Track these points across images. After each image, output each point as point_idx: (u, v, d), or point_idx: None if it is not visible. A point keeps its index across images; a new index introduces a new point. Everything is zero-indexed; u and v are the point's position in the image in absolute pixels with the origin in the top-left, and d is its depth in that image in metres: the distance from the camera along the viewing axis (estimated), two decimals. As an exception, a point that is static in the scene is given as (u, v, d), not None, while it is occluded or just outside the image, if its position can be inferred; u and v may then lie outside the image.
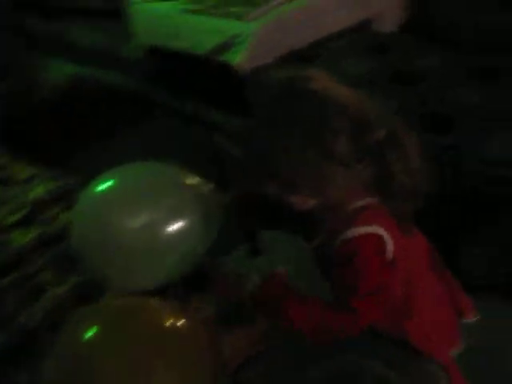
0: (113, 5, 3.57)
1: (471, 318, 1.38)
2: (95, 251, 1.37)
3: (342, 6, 2.94)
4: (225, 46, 2.67)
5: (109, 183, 1.43)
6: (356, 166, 1.12)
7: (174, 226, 1.34)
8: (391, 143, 1.13)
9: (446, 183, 1.97)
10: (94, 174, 1.73)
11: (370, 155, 1.12)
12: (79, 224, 1.41)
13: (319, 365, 1.11)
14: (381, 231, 1.15)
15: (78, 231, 1.40)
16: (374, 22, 3.17)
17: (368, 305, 1.15)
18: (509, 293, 1.98)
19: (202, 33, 2.74)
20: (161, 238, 1.34)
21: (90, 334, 1.14)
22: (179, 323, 1.22)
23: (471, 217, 2.10)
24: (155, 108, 3.25)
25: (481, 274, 2.15)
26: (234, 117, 2.80)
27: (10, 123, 3.02)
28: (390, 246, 1.16)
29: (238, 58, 2.59)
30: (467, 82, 2.37)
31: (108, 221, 1.34)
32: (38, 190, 1.96)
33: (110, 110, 3.34)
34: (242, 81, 2.65)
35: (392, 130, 1.13)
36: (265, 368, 1.34)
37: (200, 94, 2.98)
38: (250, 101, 2.62)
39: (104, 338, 1.15)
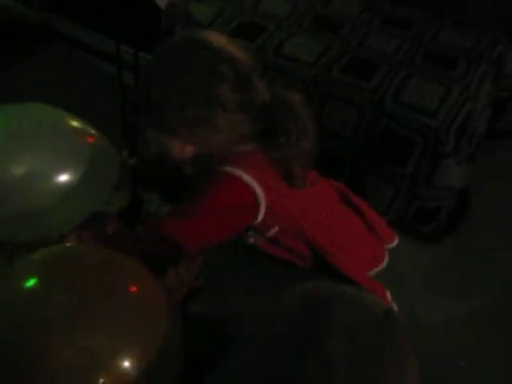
0: None
1: (392, 243, 1.59)
2: None
3: None
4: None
5: None
6: (238, 113, 1.20)
7: (58, 176, 1.32)
8: (278, 106, 1.24)
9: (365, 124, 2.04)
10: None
11: (256, 111, 1.23)
12: None
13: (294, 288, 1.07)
14: (246, 177, 1.21)
15: None
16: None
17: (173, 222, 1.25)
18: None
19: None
20: (43, 189, 1.31)
21: (31, 280, 1.06)
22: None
23: (382, 156, 2.19)
24: (55, 37, 3.09)
25: (383, 209, 2.25)
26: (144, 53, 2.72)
27: None
28: (260, 192, 1.22)
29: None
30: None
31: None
32: None
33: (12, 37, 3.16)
34: (157, 14, 2.53)
35: (278, 95, 1.26)
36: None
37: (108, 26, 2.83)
38: (164, 34, 2.54)
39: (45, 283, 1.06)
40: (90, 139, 1.42)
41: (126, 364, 0.97)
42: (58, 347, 0.94)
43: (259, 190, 1.21)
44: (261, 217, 1.25)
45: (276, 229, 1.31)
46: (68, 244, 1.29)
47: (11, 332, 0.98)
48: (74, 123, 1.43)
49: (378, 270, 1.52)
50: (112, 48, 2.89)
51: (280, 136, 1.23)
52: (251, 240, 1.35)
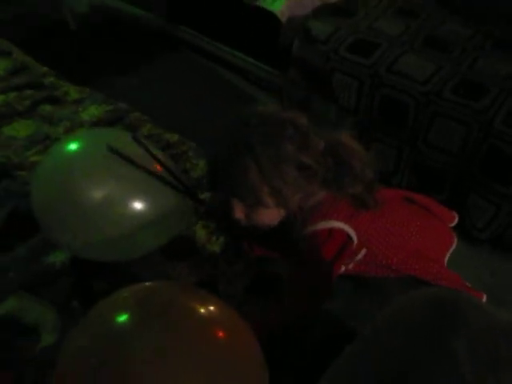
0: None
1: (454, 221, 1.58)
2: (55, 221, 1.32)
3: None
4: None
5: (75, 148, 1.36)
6: (308, 168, 1.23)
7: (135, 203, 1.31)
8: (334, 150, 1.27)
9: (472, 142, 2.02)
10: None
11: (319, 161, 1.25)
12: (40, 189, 1.35)
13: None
14: (338, 224, 1.27)
15: (38, 198, 1.34)
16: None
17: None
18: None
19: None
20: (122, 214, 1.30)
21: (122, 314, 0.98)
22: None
23: (486, 174, 2.17)
24: (182, 47, 3.17)
25: (481, 226, 2.24)
26: (266, 64, 2.77)
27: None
28: (352, 232, 1.28)
29: (279, 6, 2.50)
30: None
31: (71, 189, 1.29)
32: (92, 111, 1.88)
33: (135, 43, 3.28)
34: (277, 28, 2.58)
35: (330, 141, 1.28)
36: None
37: (232, 39, 2.91)
38: (282, 47, 2.57)
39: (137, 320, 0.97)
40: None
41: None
42: None
43: (351, 231, 1.27)
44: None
45: (364, 251, 1.34)
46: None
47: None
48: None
49: (451, 250, 1.52)
50: (231, 57, 2.99)
51: (345, 175, 1.27)
52: (342, 268, 1.38)
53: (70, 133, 1.77)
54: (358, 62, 2.36)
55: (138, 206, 1.30)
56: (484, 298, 1.48)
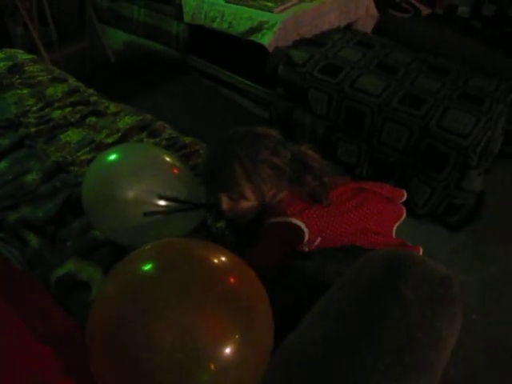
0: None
1: (403, 198, 1.47)
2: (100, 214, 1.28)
3: (337, 9, 2.84)
4: (255, 30, 2.56)
5: (117, 157, 1.32)
6: (280, 170, 1.23)
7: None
8: (297, 157, 1.27)
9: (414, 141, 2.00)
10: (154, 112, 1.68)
11: (286, 164, 1.25)
12: (89, 186, 1.31)
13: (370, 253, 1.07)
14: (292, 219, 1.23)
15: (88, 195, 1.30)
16: (354, 24, 3.10)
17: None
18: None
19: (239, 18, 2.60)
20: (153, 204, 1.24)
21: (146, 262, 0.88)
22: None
23: (425, 164, 2.17)
24: (194, 72, 3.14)
25: (421, 203, 2.26)
26: (257, 84, 2.76)
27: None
28: (303, 226, 1.23)
29: (267, 40, 2.49)
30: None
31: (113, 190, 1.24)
32: (126, 121, 1.86)
33: (159, 70, 3.26)
34: (266, 56, 2.57)
35: (295, 151, 1.28)
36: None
37: (230, 64, 2.89)
38: (270, 71, 2.56)
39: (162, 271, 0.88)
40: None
41: (227, 350, 0.78)
42: (161, 322, 0.78)
43: (303, 225, 1.23)
44: (306, 239, 1.26)
45: (319, 239, 1.30)
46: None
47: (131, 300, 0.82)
48: (168, 158, 1.39)
49: (398, 223, 1.47)
50: (231, 79, 2.97)
51: (307, 174, 1.26)
52: (305, 249, 1.34)
53: (109, 137, 1.77)
54: (328, 81, 2.36)
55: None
56: (420, 251, 1.46)
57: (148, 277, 0.85)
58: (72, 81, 2.16)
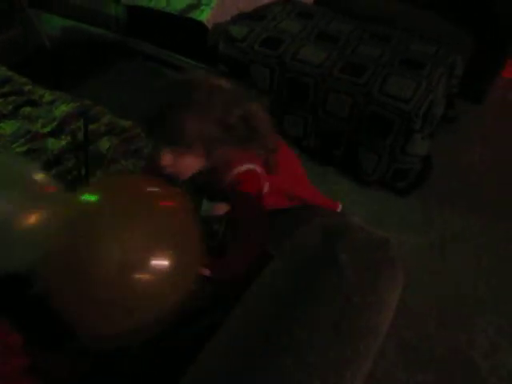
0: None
1: None
2: None
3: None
4: (193, 7, 2.51)
5: None
6: (232, 129, 1.18)
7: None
8: (247, 118, 1.20)
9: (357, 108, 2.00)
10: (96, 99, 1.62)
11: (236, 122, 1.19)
12: None
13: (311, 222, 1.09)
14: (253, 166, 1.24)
15: None
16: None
17: None
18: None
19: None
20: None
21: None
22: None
23: (370, 132, 2.20)
24: (135, 53, 3.06)
25: (370, 170, 2.29)
26: (200, 62, 2.71)
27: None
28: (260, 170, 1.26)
29: (206, 16, 2.44)
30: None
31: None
32: (62, 108, 1.81)
33: (99, 54, 3.17)
34: (205, 33, 2.52)
35: (246, 110, 1.21)
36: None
37: (171, 44, 2.82)
38: (211, 47, 2.52)
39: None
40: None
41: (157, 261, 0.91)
42: (106, 240, 0.89)
43: (260, 170, 1.25)
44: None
45: (267, 184, 1.31)
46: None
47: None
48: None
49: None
50: (171, 58, 2.91)
51: (253, 137, 1.22)
52: None
53: (46, 126, 1.71)
54: (269, 55, 2.33)
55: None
56: (339, 208, 1.56)
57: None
58: (3, 70, 2.07)
